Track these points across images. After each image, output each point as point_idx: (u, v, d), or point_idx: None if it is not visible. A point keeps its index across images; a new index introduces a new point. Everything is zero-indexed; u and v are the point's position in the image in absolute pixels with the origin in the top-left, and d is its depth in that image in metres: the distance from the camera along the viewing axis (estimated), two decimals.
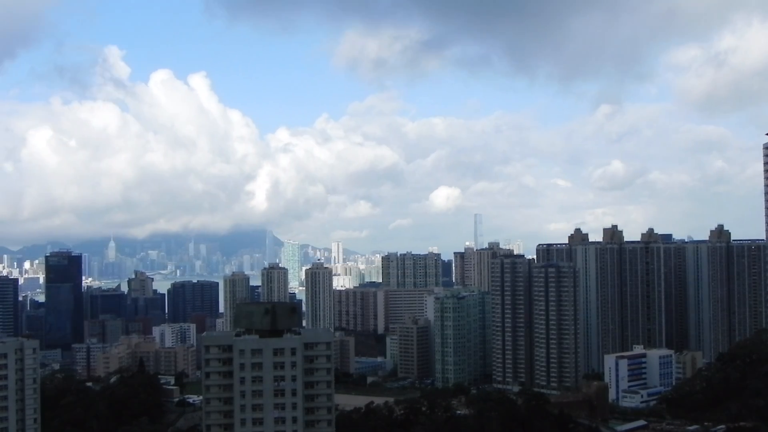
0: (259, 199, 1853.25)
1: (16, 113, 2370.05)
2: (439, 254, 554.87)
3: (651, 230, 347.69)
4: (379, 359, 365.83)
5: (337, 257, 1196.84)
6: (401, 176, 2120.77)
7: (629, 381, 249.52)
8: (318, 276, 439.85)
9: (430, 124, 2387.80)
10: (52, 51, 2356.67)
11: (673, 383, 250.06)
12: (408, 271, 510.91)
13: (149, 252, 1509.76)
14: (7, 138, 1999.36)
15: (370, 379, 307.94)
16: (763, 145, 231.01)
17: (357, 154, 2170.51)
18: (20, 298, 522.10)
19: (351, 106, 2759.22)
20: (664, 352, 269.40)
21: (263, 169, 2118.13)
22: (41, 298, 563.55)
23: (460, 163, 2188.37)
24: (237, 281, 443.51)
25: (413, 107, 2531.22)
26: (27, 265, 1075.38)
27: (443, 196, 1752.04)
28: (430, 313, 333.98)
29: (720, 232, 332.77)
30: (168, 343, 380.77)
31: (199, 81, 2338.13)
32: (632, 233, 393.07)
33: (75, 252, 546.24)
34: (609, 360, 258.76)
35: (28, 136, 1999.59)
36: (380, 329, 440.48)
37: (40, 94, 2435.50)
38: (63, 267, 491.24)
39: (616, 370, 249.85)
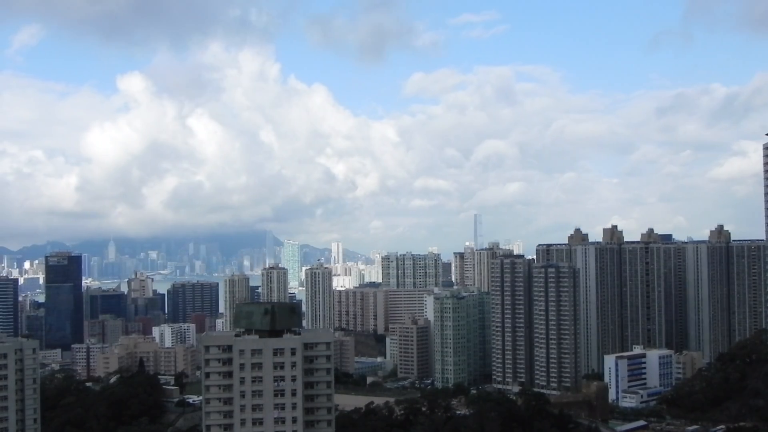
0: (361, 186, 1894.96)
1: None
2: (438, 254, 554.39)
3: (651, 230, 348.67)
4: (379, 359, 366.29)
5: (337, 257, 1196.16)
6: None
7: (629, 381, 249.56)
8: (318, 276, 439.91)
9: None
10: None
11: (673, 383, 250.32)
12: (408, 271, 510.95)
13: (149, 252, 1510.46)
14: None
15: (370, 379, 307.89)
16: (763, 145, 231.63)
17: None
18: (20, 299, 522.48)
19: None
20: (664, 352, 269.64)
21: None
22: (41, 299, 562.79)
23: None
24: (237, 281, 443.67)
25: None
26: (27, 265, 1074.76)
27: None
28: (429, 313, 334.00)
29: (720, 232, 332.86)
30: (168, 343, 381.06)
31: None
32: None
33: (75, 252, 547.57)
34: (609, 360, 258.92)
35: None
36: (380, 329, 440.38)
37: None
38: (63, 267, 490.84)
39: (616, 370, 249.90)
